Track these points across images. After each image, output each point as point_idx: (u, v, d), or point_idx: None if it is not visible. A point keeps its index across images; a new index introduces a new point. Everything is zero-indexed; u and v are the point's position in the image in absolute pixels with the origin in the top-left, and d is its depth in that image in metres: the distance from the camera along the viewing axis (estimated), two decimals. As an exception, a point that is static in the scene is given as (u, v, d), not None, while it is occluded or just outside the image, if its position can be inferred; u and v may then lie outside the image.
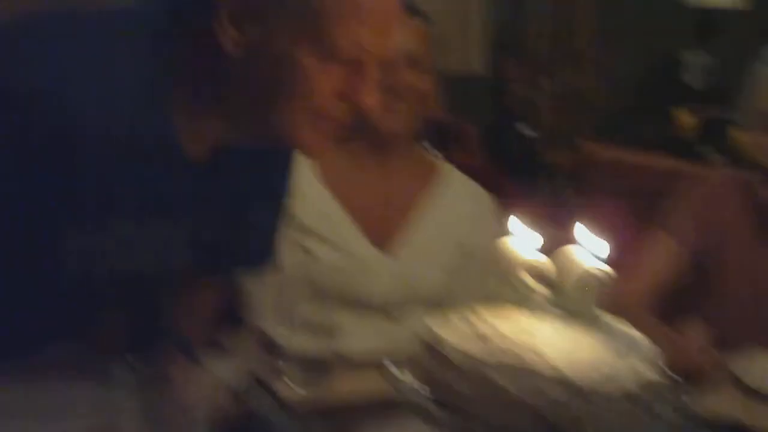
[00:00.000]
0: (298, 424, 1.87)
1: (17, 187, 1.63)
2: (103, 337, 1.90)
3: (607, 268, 1.60)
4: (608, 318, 1.67)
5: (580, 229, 1.67)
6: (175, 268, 1.87)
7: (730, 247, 2.67)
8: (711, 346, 2.23)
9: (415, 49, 2.57)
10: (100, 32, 1.68)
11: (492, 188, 3.89)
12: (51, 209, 1.65)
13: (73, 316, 1.81)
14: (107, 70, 1.64)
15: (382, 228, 2.62)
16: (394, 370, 1.65)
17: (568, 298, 1.63)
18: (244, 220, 1.96)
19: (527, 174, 6.35)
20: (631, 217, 3.10)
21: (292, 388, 1.98)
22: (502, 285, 1.67)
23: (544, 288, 1.65)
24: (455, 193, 2.71)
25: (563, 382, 1.45)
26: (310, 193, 2.59)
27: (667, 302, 2.73)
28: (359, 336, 2.31)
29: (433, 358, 1.55)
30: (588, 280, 1.62)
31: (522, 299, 1.64)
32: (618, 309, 2.51)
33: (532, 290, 1.65)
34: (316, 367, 2.01)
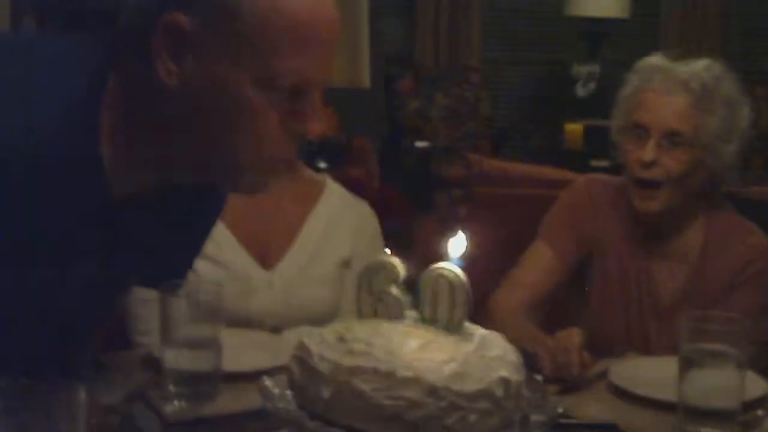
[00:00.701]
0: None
1: None
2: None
3: (463, 276, 1.64)
4: (476, 327, 1.71)
5: (457, 242, 1.69)
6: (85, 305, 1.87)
7: (607, 253, 2.72)
8: (583, 351, 2.28)
9: None
10: (31, 61, 1.64)
11: (385, 202, 3.95)
12: None
13: None
14: (35, 99, 1.60)
15: (266, 247, 2.64)
16: (268, 382, 1.69)
17: (438, 312, 1.66)
18: (164, 256, 1.95)
19: (421, 187, 6.40)
20: (518, 228, 3.16)
21: (175, 405, 2.00)
22: (377, 301, 1.70)
23: (420, 305, 1.68)
24: (337, 210, 2.74)
25: (417, 381, 1.50)
26: None
27: (552, 309, 2.79)
28: (244, 352, 2.33)
29: (303, 370, 1.59)
30: (453, 289, 1.65)
31: (395, 316, 1.68)
32: (495, 317, 2.58)
33: (404, 307, 1.69)
34: (200, 383, 2.03)
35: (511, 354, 1.63)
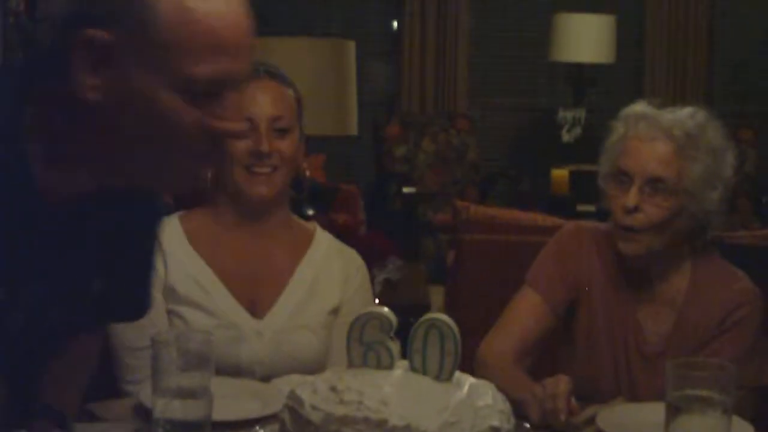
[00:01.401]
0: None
1: None
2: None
3: (454, 325, 1.66)
4: (466, 376, 1.72)
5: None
6: (42, 325, 1.86)
7: (594, 299, 2.74)
8: (571, 398, 2.30)
9: (283, 115, 2.62)
10: None
11: (372, 248, 3.97)
12: None
13: None
14: None
15: (255, 295, 2.64)
16: (260, 431, 1.70)
17: (428, 361, 1.68)
18: (112, 271, 1.94)
19: (408, 233, 6.41)
20: (505, 274, 3.17)
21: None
22: (367, 351, 1.71)
23: (410, 354, 1.70)
24: (326, 258, 2.75)
25: (410, 430, 1.51)
26: (183, 259, 2.62)
27: (540, 354, 2.80)
28: (234, 401, 2.33)
29: (294, 419, 1.60)
30: (443, 339, 1.67)
31: (386, 366, 1.69)
32: (484, 364, 2.60)
33: (395, 357, 1.70)
34: (191, 431, 2.04)
35: (501, 403, 1.65)
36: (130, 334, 2.56)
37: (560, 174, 6.79)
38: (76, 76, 1.62)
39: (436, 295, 4.78)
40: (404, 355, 1.75)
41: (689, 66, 7.96)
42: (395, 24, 8.16)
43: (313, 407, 1.57)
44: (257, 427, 1.70)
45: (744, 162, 7.22)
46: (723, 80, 8.15)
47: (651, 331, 2.72)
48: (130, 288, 2.06)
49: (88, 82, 1.62)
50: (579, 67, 7.59)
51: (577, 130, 7.43)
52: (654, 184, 2.59)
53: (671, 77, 7.94)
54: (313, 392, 1.61)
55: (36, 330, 1.85)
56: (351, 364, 1.70)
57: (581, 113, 7.48)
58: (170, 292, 2.59)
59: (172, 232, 2.63)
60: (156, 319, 2.52)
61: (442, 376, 1.65)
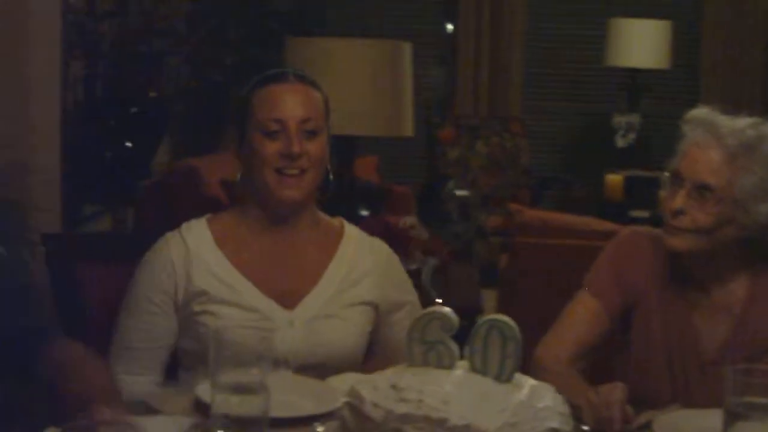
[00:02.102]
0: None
1: None
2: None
3: (515, 327, 1.66)
4: (526, 378, 1.73)
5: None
6: None
7: (650, 305, 2.74)
8: (625, 404, 2.30)
9: (312, 117, 2.64)
10: None
11: (424, 250, 3.97)
12: None
13: None
14: None
15: (284, 288, 2.66)
16: (320, 429, 1.71)
17: (489, 362, 1.68)
18: None
19: (460, 235, 6.41)
20: (558, 278, 3.17)
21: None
22: (428, 350, 1.72)
23: (470, 355, 1.70)
24: (357, 253, 2.77)
25: (470, 430, 1.51)
26: (209, 260, 2.66)
27: (596, 358, 2.80)
28: (290, 398, 2.35)
29: (355, 417, 1.61)
30: (505, 340, 1.68)
31: (446, 365, 1.70)
32: (540, 367, 2.60)
33: (456, 357, 1.71)
34: (248, 428, 2.05)
35: (561, 405, 1.65)
36: (132, 335, 2.65)
37: (614, 179, 6.76)
38: None
39: (488, 298, 4.78)
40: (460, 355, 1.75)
41: (746, 72, 7.90)
42: (450, 26, 8.16)
43: (374, 404, 1.58)
44: (316, 424, 1.71)
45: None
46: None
47: (707, 338, 2.71)
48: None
49: None
50: (634, 72, 7.56)
51: (632, 136, 7.39)
52: (702, 190, 2.59)
53: (727, 83, 7.88)
54: (374, 389, 1.62)
55: None
56: (412, 363, 1.71)
57: (636, 119, 7.44)
58: (200, 295, 2.63)
59: (199, 235, 2.68)
60: (162, 322, 2.63)
61: (503, 377, 1.65)
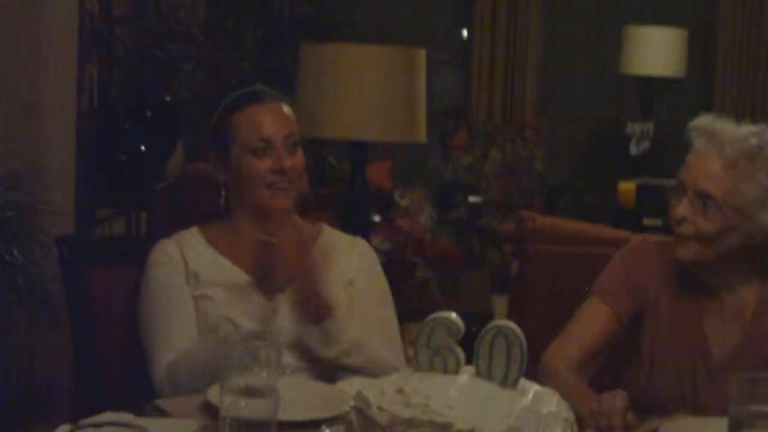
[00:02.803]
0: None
1: None
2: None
3: (520, 333, 1.67)
4: (531, 383, 1.74)
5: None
6: None
7: (660, 311, 2.75)
8: (626, 412, 2.31)
9: (292, 132, 2.80)
10: None
11: (437, 255, 3.99)
12: None
13: None
14: None
15: (270, 279, 2.75)
16: (326, 431, 1.73)
17: (494, 367, 1.69)
18: None
19: (473, 241, 6.43)
20: (569, 285, 3.18)
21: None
22: (434, 355, 1.73)
23: (476, 360, 1.72)
24: (335, 242, 2.88)
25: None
26: (202, 253, 2.81)
27: (604, 362, 2.82)
28: (298, 401, 2.37)
29: (361, 420, 1.63)
30: (510, 346, 1.69)
31: (452, 370, 1.71)
32: (546, 372, 2.61)
33: (462, 362, 1.72)
34: (256, 430, 2.07)
35: (565, 411, 1.66)
36: (171, 319, 2.72)
37: (627, 187, 6.75)
38: None
39: (499, 304, 4.79)
40: (466, 360, 1.77)
41: (759, 81, 7.90)
42: (465, 32, 8.17)
43: (380, 408, 1.60)
44: (323, 427, 1.72)
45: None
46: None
47: (717, 344, 2.71)
48: None
49: None
50: (648, 80, 7.56)
51: (645, 144, 7.39)
52: (703, 198, 2.60)
53: (741, 92, 7.88)
54: (380, 394, 1.63)
55: None
56: (418, 367, 1.72)
57: (649, 126, 7.44)
58: (195, 278, 2.76)
59: (191, 239, 2.83)
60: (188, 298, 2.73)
61: (508, 382, 1.67)
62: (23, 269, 3.23)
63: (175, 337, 2.68)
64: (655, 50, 7.45)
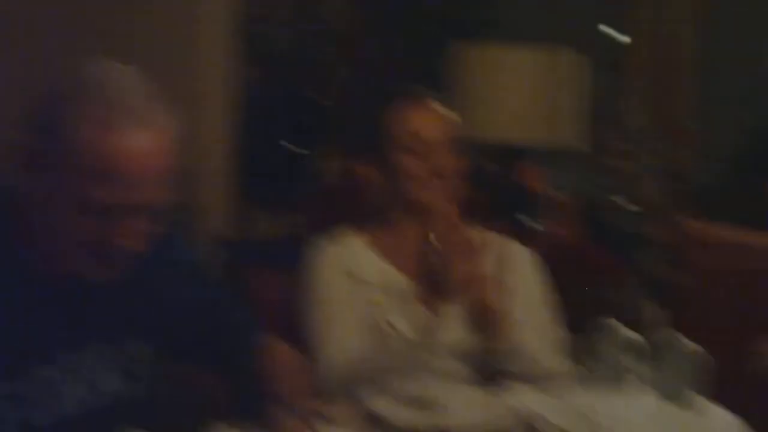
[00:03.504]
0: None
1: None
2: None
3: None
4: (703, 399, 1.70)
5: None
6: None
7: None
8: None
9: (447, 131, 2.78)
10: None
11: (593, 262, 3.93)
12: None
13: None
14: None
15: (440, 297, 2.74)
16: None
17: (664, 378, 1.65)
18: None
19: (628, 248, 6.35)
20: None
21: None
22: (598, 363, 1.70)
23: (640, 368, 1.68)
24: (508, 260, 2.84)
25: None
26: (362, 256, 2.81)
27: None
28: (458, 409, 2.36)
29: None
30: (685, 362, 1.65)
31: (618, 378, 1.67)
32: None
33: (628, 369, 1.68)
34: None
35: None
36: (330, 334, 2.71)
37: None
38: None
39: (653, 312, 4.71)
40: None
41: None
42: (623, 37, 8.10)
43: (550, 424, 1.57)
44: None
45: None
46: None
47: None
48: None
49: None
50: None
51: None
52: None
53: None
54: (550, 408, 1.60)
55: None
56: (580, 375, 1.69)
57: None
58: (370, 290, 2.76)
59: (351, 238, 2.84)
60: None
61: (680, 398, 1.62)
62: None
63: (340, 338, 2.69)
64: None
